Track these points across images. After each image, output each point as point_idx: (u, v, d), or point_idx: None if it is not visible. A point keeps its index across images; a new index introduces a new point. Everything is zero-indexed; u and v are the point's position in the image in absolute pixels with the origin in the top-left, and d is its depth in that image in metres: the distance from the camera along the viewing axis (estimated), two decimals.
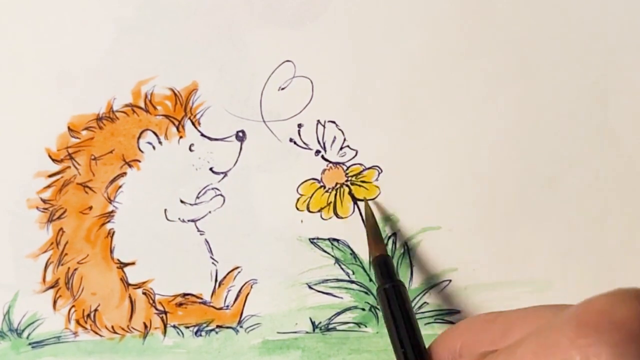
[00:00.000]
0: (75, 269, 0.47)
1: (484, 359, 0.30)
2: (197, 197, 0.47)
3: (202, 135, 0.47)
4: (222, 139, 0.47)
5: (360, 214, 0.47)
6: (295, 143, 0.47)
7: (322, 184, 0.47)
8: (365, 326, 0.47)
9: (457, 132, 0.47)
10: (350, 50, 0.47)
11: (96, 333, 0.48)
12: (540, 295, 0.46)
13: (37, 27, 0.47)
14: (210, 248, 0.47)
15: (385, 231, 0.47)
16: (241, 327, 0.47)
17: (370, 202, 0.47)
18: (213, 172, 0.47)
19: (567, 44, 0.46)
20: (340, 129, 0.47)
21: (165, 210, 0.47)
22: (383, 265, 0.43)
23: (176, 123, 0.47)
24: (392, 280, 0.42)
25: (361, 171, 0.47)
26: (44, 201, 0.47)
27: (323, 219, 0.47)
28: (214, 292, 0.48)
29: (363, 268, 0.47)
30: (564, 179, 0.47)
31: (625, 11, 0.46)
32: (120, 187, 0.47)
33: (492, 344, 0.33)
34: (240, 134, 0.47)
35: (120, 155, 0.47)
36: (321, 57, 0.47)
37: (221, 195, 0.47)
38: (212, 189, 0.47)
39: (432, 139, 0.47)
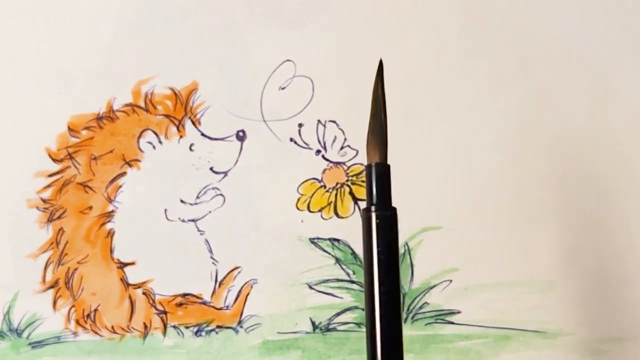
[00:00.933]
0: (75, 269, 0.47)
1: None
2: (197, 197, 0.47)
3: (203, 134, 0.47)
4: (222, 139, 0.47)
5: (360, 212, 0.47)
6: (295, 143, 0.47)
7: (322, 183, 0.47)
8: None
9: (457, 132, 0.47)
10: (350, 50, 0.47)
11: (96, 333, 0.48)
12: (540, 296, 0.46)
13: (37, 27, 0.48)
14: (210, 248, 0.47)
15: None
16: (241, 327, 0.47)
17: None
18: (213, 171, 0.47)
19: (567, 44, 0.46)
20: (340, 129, 0.47)
21: (166, 210, 0.47)
22: (381, 179, 0.32)
23: (176, 123, 0.47)
24: (386, 205, 0.32)
25: (362, 171, 0.47)
26: (44, 201, 0.47)
27: (323, 218, 0.47)
28: (214, 292, 0.47)
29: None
30: (564, 179, 0.47)
31: (625, 11, 0.46)
32: (120, 186, 0.47)
33: None
34: (241, 133, 0.47)
35: (120, 155, 0.47)
36: (321, 57, 0.47)
37: (221, 195, 0.47)
38: (212, 188, 0.47)
39: (432, 139, 0.47)
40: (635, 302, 0.46)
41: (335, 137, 0.47)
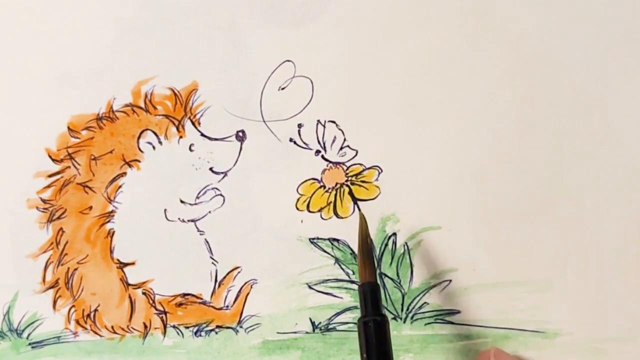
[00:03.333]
0: (75, 269, 0.47)
1: None
2: (197, 197, 0.47)
3: (202, 135, 0.47)
4: (222, 139, 0.47)
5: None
6: (295, 143, 0.47)
7: (322, 183, 0.47)
8: None
9: (457, 132, 0.47)
10: (350, 50, 0.47)
11: (96, 333, 0.48)
12: (540, 296, 0.46)
13: (37, 27, 0.48)
14: (210, 248, 0.47)
15: (386, 231, 0.47)
16: (241, 327, 0.47)
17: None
18: (213, 172, 0.47)
19: (567, 44, 0.46)
20: (340, 129, 0.47)
21: (165, 210, 0.47)
22: (369, 294, 0.40)
23: (176, 123, 0.47)
24: (376, 313, 0.40)
25: (361, 171, 0.47)
26: (43, 201, 0.47)
27: (323, 219, 0.47)
28: (213, 292, 0.48)
29: None
30: (564, 179, 0.47)
31: (625, 11, 0.46)
32: (120, 187, 0.47)
33: None
34: (240, 133, 0.47)
35: (120, 155, 0.47)
36: (321, 57, 0.47)
37: (221, 195, 0.47)
38: (212, 188, 0.47)
39: (432, 139, 0.47)
40: (634, 302, 0.46)
41: (335, 137, 0.47)
